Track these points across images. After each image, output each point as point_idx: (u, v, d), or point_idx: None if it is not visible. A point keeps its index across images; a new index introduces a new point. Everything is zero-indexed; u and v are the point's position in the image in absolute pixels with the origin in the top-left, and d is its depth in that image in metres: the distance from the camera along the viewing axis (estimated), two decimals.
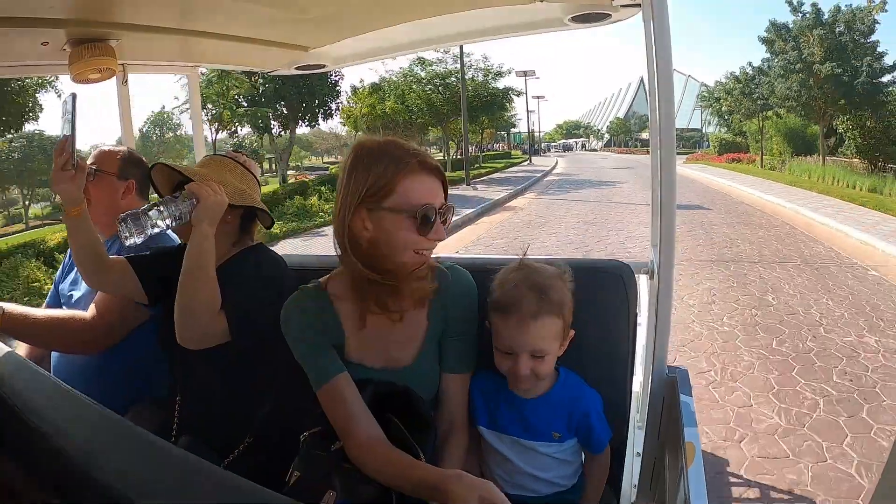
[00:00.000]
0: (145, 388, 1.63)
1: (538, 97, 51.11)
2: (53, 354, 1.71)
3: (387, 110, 25.30)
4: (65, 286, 1.81)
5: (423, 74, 26.02)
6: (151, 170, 1.46)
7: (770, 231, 9.67)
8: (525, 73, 39.75)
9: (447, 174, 1.52)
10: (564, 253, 8.37)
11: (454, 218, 1.23)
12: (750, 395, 3.51)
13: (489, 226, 11.39)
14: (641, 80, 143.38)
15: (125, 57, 1.92)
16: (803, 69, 19.95)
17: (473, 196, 16.01)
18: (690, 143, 73.22)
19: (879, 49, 19.51)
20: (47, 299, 1.85)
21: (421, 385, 1.21)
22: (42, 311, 1.58)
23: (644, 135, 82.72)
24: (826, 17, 20.15)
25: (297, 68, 2.35)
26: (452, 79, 25.26)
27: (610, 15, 1.60)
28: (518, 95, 29.85)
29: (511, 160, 38.88)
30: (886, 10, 19.02)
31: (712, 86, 37.89)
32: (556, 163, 40.92)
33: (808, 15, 20.41)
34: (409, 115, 25.89)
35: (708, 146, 48.31)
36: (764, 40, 22.19)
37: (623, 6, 1.54)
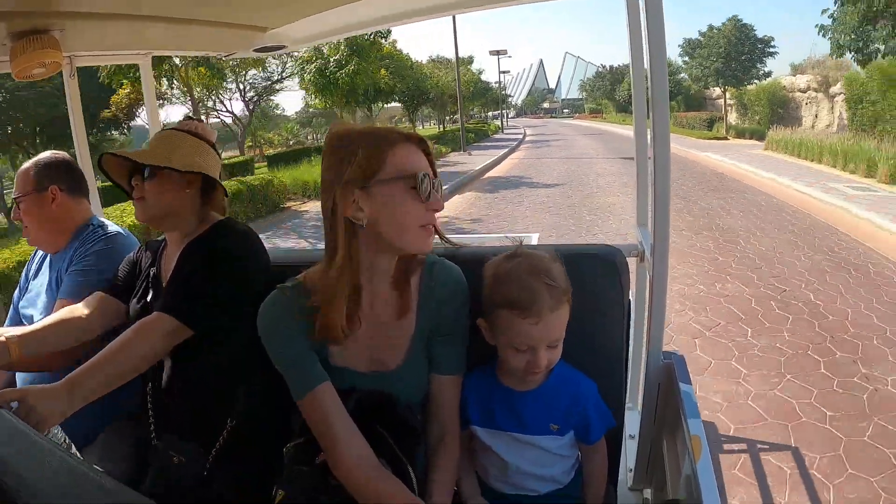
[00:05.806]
0: (123, 399, 1.54)
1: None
2: (19, 377, 1.61)
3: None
4: (23, 304, 1.72)
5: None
6: (100, 160, 1.39)
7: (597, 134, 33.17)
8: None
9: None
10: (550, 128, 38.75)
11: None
12: None
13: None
14: (541, 63, 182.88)
15: (71, 48, 1.78)
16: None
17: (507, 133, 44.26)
18: (574, 108, 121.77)
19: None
20: (7, 321, 1.74)
21: (410, 389, 1.15)
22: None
23: (546, 104, 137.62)
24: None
25: (255, 50, 2.23)
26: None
27: None
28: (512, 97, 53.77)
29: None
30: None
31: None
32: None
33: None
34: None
35: (583, 110, 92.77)
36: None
37: None
